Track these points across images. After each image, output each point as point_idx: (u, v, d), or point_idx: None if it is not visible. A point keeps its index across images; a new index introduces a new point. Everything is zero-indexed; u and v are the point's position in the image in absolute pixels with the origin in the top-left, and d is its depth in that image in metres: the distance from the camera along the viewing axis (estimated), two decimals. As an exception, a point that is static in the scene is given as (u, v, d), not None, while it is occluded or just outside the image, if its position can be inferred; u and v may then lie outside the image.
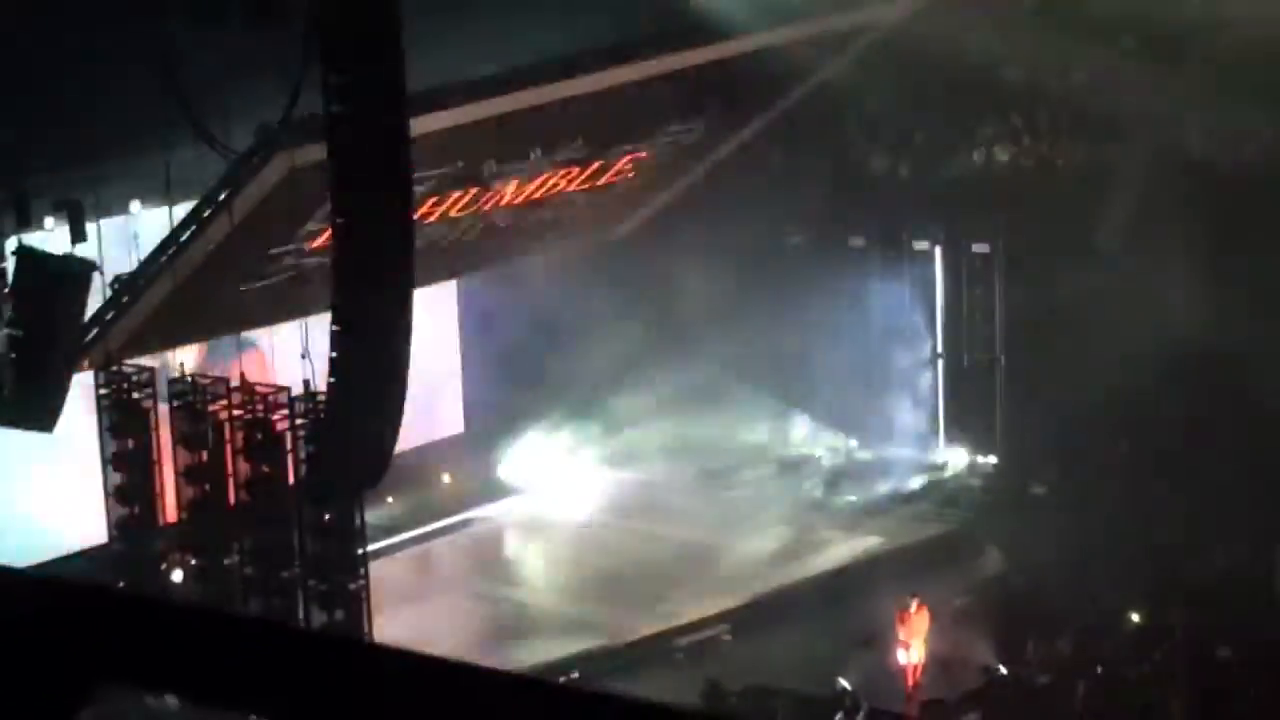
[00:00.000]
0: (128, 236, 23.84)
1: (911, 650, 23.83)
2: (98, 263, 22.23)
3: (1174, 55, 26.73)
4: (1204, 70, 26.74)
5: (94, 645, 3.13)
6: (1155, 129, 27.73)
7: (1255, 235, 26.89)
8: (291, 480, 22.71)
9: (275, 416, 22.81)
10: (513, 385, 30.39)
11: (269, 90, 20.67)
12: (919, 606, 24.03)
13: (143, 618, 3.12)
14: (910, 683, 23.78)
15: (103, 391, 23.60)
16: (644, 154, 27.62)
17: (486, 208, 26.29)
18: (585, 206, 27.76)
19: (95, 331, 22.88)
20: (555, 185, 26.87)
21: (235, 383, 23.47)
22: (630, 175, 27.88)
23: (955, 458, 29.97)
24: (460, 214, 25.97)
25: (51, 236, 22.43)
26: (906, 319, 29.97)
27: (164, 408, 23.59)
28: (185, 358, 25.91)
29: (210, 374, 24.31)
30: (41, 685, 3.12)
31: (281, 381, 23.44)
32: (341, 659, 2.94)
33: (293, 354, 23.28)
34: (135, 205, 24.32)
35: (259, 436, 22.83)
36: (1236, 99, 26.64)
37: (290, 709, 3.02)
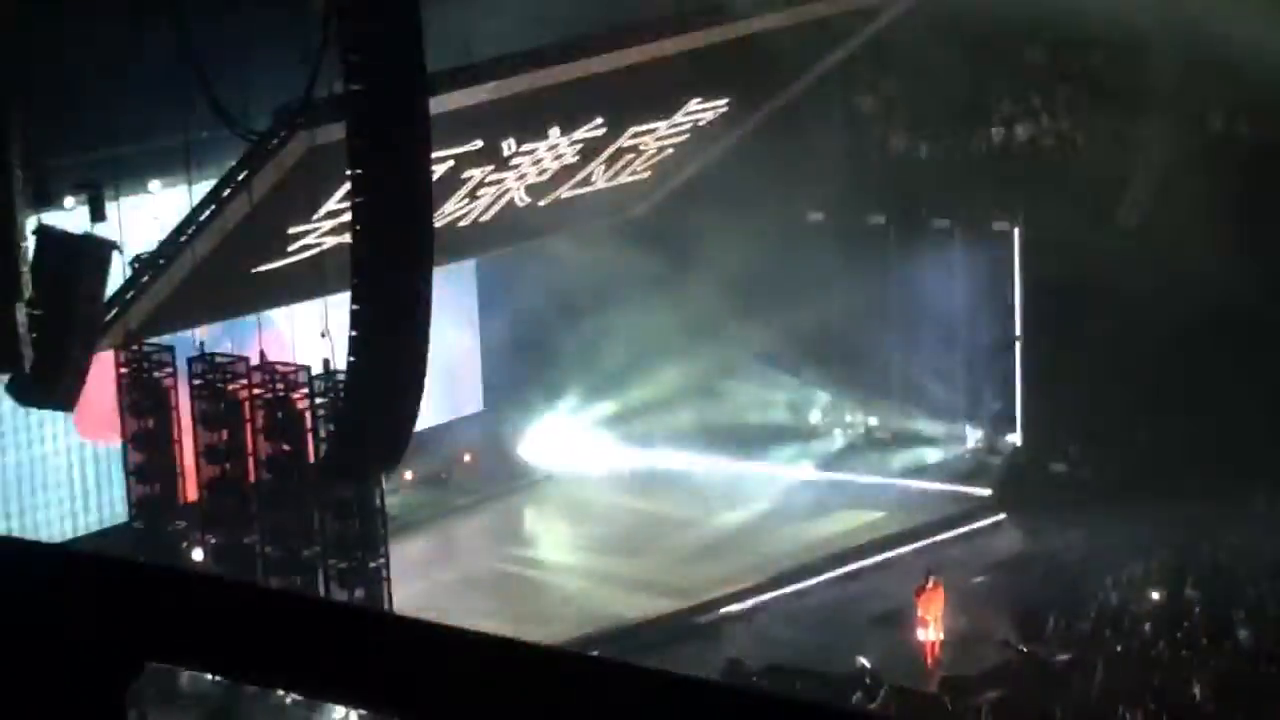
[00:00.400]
0: (148, 216, 23.86)
1: (930, 628, 23.86)
2: (118, 242, 22.27)
3: (1192, 32, 26.60)
4: (1223, 46, 26.64)
5: (142, 621, 3.14)
6: (1176, 104, 27.67)
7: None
8: (311, 459, 22.74)
9: (295, 395, 22.84)
10: (532, 364, 30.42)
11: (288, 71, 20.69)
12: (935, 584, 24.05)
13: (189, 594, 3.13)
14: (930, 660, 23.80)
15: (123, 370, 23.63)
16: (663, 132, 27.59)
17: (506, 186, 26.26)
18: (604, 185, 27.73)
19: (115, 311, 22.90)
20: (574, 164, 26.85)
21: (255, 361, 23.51)
22: (649, 154, 27.84)
23: (976, 435, 29.95)
24: (479, 193, 25.95)
25: (71, 216, 22.48)
26: (926, 297, 29.91)
27: (184, 386, 23.61)
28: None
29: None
30: (93, 662, 3.13)
31: (300, 361, 23.46)
32: (382, 633, 2.96)
33: (312, 333, 23.30)
34: (155, 185, 24.37)
35: (279, 415, 22.86)
36: (1258, 74, 26.54)
37: (333, 685, 3.04)
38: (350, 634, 2.90)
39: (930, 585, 24.06)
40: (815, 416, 31.11)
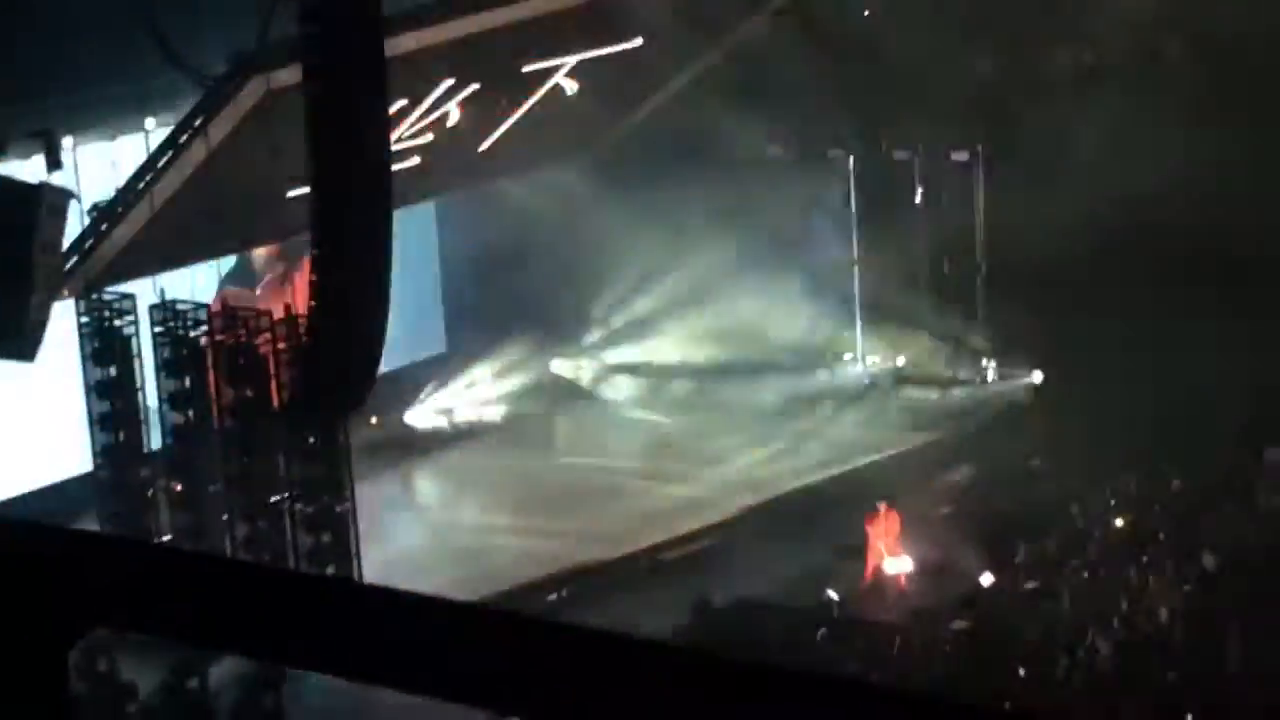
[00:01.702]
0: (105, 163, 23.73)
1: (897, 558, 23.92)
2: (75, 190, 22.14)
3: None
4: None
5: (83, 587, 3.14)
6: (1135, 32, 27.62)
7: (1242, 134, 26.77)
8: (276, 404, 22.69)
9: (258, 340, 22.77)
10: (494, 304, 30.30)
11: (244, 13, 20.56)
12: (888, 510, 24.10)
13: (130, 560, 3.13)
14: (897, 591, 23.86)
15: (83, 319, 23.54)
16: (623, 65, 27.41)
17: (459, 126, 26.07)
18: (560, 119, 27.51)
19: (74, 259, 22.80)
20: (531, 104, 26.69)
21: (216, 307, 23.43)
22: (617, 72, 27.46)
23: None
24: (435, 134, 25.80)
25: (27, 165, 22.34)
26: (886, 227, 29.89)
27: (146, 334, 23.54)
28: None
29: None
30: (34, 626, 3.13)
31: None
32: (319, 597, 2.95)
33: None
34: (112, 131, 24.21)
35: (242, 361, 22.79)
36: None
37: (269, 647, 3.03)
38: (282, 598, 2.90)
39: (884, 512, 24.12)
40: (776, 352, 31.00)
